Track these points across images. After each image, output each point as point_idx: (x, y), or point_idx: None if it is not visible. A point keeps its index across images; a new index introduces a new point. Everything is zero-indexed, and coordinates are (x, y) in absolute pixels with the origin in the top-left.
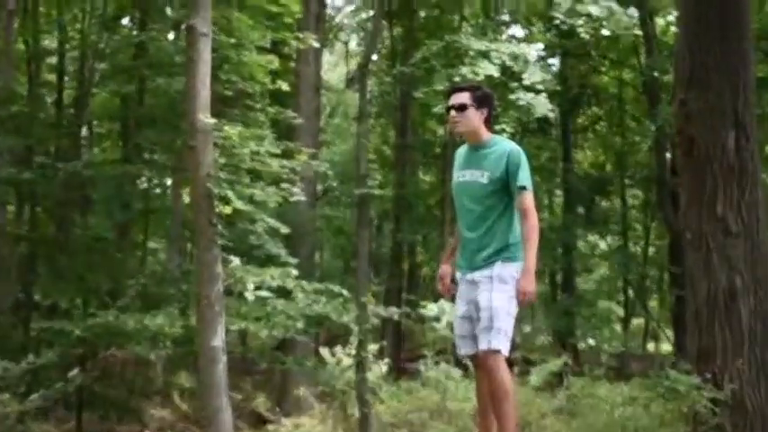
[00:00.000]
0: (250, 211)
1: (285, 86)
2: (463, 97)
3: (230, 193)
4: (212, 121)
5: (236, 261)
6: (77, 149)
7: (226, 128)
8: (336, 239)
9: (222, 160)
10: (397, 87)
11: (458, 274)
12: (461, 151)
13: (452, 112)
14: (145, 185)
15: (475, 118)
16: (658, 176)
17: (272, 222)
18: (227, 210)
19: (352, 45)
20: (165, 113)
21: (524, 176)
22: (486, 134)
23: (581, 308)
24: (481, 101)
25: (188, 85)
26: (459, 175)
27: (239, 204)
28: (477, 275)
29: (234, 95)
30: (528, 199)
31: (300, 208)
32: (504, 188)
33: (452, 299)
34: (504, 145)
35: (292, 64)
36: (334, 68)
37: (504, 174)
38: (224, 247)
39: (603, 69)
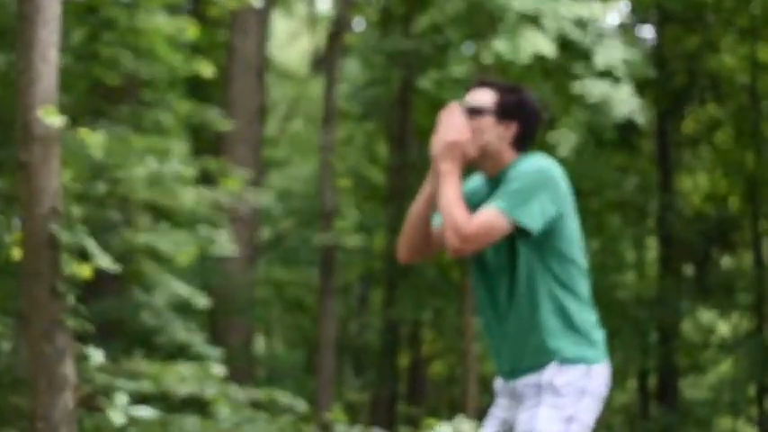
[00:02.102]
0: (142, 271)
1: (209, 71)
2: (482, 97)
3: (91, 243)
4: (59, 120)
5: (96, 356)
6: None
7: (82, 132)
8: (292, 317)
9: (100, 186)
10: (393, 72)
11: (497, 383)
12: (475, 184)
13: None
14: None
15: (492, 133)
16: None
17: (183, 290)
18: (85, 271)
19: (322, 5)
20: (7, 110)
21: (509, 195)
22: (510, 158)
23: (688, 428)
24: (509, 110)
25: (20, 63)
26: None
27: (107, 262)
28: (520, 383)
29: (122, 84)
30: (489, 214)
31: (231, 267)
32: (545, 238)
33: (480, 415)
34: (523, 163)
35: (222, 34)
36: (291, 43)
37: None
38: (81, 333)
39: (726, 44)
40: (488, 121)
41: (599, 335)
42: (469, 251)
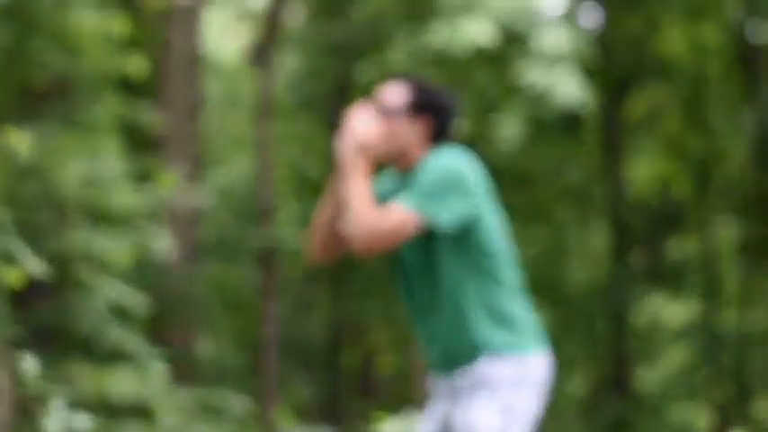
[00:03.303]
0: (78, 275)
1: (142, 67)
2: (394, 93)
3: (20, 247)
4: None
5: (30, 363)
6: None
7: (10, 133)
8: (235, 317)
9: (31, 188)
10: (330, 62)
11: (430, 380)
12: (386, 181)
13: None
14: None
15: (404, 130)
16: (761, 198)
17: (121, 293)
18: (13, 276)
19: None
20: None
21: (419, 193)
22: (421, 154)
23: (641, 417)
24: (421, 105)
25: None
26: None
27: (37, 267)
28: (456, 379)
29: (52, 84)
30: (398, 211)
31: (170, 267)
32: (463, 233)
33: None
34: (432, 159)
35: (156, 29)
36: (225, 33)
37: None
38: (13, 339)
39: (671, 26)
40: (400, 118)
41: (532, 323)
42: (378, 250)
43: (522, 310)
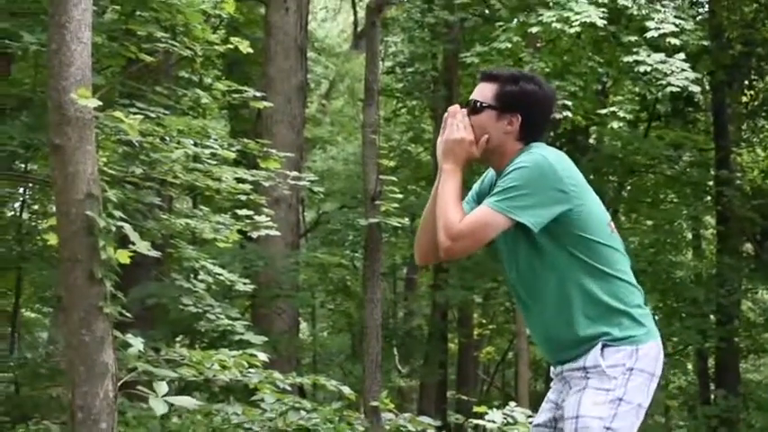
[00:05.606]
0: (182, 256)
1: (246, 47)
2: (484, 91)
3: (127, 228)
4: (94, 102)
5: (137, 343)
6: None
7: (117, 114)
8: (338, 301)
9: (137, 169)
10: (437, 47)
11: (551, 368)
12: (487, 180)
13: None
14: (14, 213)
15: (496, 128)
16: None
17: (224, 274)
18: (123, 257)
19: None
20: (40, 92)
21: (504, 192)
22: (513, 151)
23: (751, 413)
24: (511, 102)
25: (52, 44)
26: None
27: (145, 247)
28: (567, 368)
29: (156, 62)
30: (481, 212)
31: (273, 250)
32: (562, 229)
33: (532, 399)
34: (519, 157)
35: (261, 10)
36: (333, 18)
37: None
38: (120, 320)
39: None
40: (490, 117)
41: (643, 312)
42: (461, 251)
43: (633, 299)
